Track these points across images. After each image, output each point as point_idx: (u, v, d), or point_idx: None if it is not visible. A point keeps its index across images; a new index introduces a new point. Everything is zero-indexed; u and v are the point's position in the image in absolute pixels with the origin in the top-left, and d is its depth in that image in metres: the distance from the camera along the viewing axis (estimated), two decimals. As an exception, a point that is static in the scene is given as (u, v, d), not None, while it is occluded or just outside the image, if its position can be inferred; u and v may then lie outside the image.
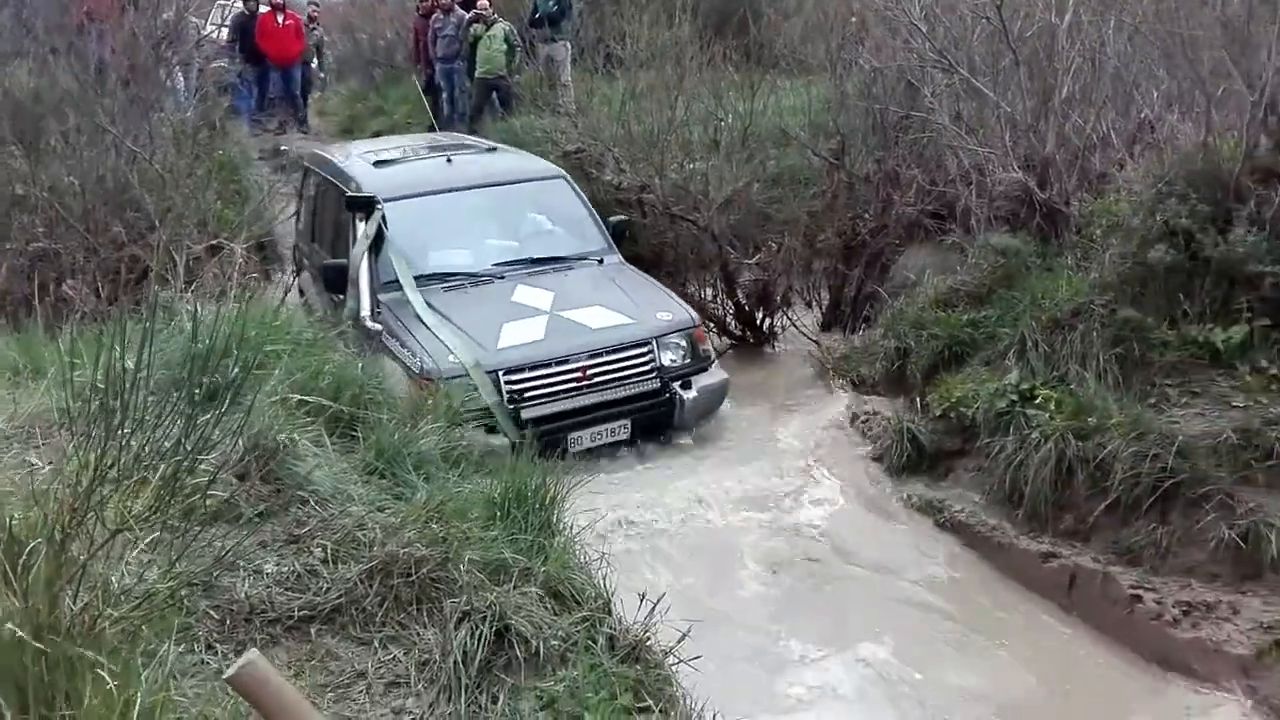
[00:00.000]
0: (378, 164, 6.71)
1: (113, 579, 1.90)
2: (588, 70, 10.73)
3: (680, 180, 7.63)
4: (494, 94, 12.15)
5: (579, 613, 2.78)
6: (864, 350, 6.57)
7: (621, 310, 5.74)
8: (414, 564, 2.74)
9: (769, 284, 7.50)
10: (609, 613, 2.84)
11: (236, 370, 2.16)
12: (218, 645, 2.48)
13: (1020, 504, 4.64)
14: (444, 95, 12.98)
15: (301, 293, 7.21)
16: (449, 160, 6.80)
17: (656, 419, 5.61)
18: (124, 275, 5.56)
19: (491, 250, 6.29)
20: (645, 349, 5.59)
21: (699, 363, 5.81)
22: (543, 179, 6.79)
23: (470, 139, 8.11)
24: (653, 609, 2.83)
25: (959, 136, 6.89)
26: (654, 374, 5.57)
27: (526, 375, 5.29)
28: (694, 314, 6.03)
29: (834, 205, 7.78)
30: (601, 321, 5.64)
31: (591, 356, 5.45)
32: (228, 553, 2.42)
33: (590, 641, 2.70)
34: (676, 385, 5.62)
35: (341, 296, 5.90)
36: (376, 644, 2.61)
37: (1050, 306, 5.26)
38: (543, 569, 2.91)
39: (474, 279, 5.99)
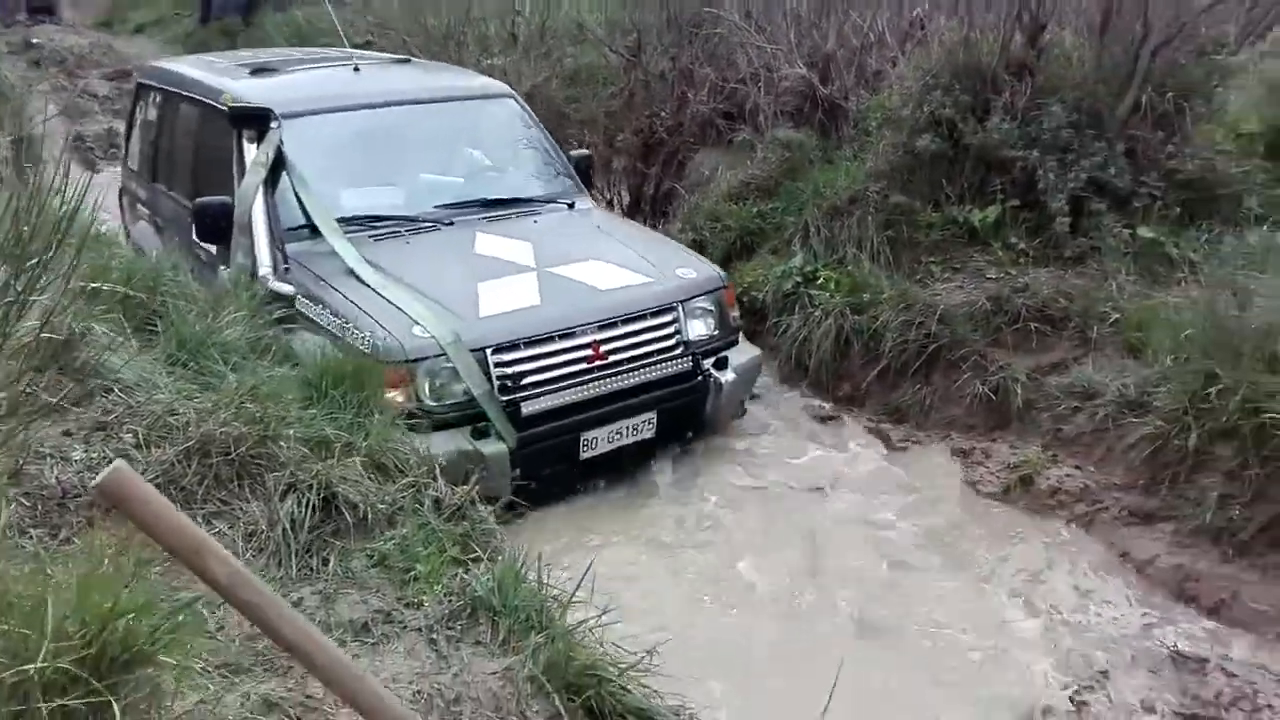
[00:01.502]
0: (257, 72, 5.27)
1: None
2: (376, -41, 10.32)
3: (478, 76, 7.56)
4: (273, -17, 11.48)
5: (404, 480, 2.89)
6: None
7: (630, 266, 4.50)
8: (232, 442, 2.75)
9: (570, 181, 7.60)
10: (434, 478, 2.96)
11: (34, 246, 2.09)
12: (31, 530, 2.44)
13: (807, 375, 5.06)
14: (216, -17, 12.14)
15: (138, 250, 5.32)
16: (356, 69, 5.32)
17: (686, 411, 4.39)
18: None
19: (429, 188, 4.94)
20: (670, 317, 4.36)
21: (729, 334, 4.62)
22: (486, 97, 5.44)
23: (366, 53, 6.38)
24: (474, 472, 2.98)
25: (748, 34, 7.15)
26: (682, 351, 4.37)
27: (523, 354, 4.02)
28: (720, 271, 4.79)
29: (631, 104, 7.92)
30: (610, 280, 4.38)
31: (603, 328, 4.18)
32: (21, 431, 2.37)
33: (417, 505, 2.82)
34: (709, 365, 4.43)
35: (215, 249, 4.53)
36: (200, 520, 2.62)
37: (830, 195, 5.68)
38: (365, 443, 2.98)
39: (412, 225, 4.63)
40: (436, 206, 4.77)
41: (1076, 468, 4.03)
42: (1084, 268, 4.79)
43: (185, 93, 5.36)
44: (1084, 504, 3.90)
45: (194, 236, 4.56)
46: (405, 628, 2.39)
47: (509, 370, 3.99)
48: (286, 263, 4.28)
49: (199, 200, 4.53)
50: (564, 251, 4.53)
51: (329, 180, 4.65)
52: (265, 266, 4.21)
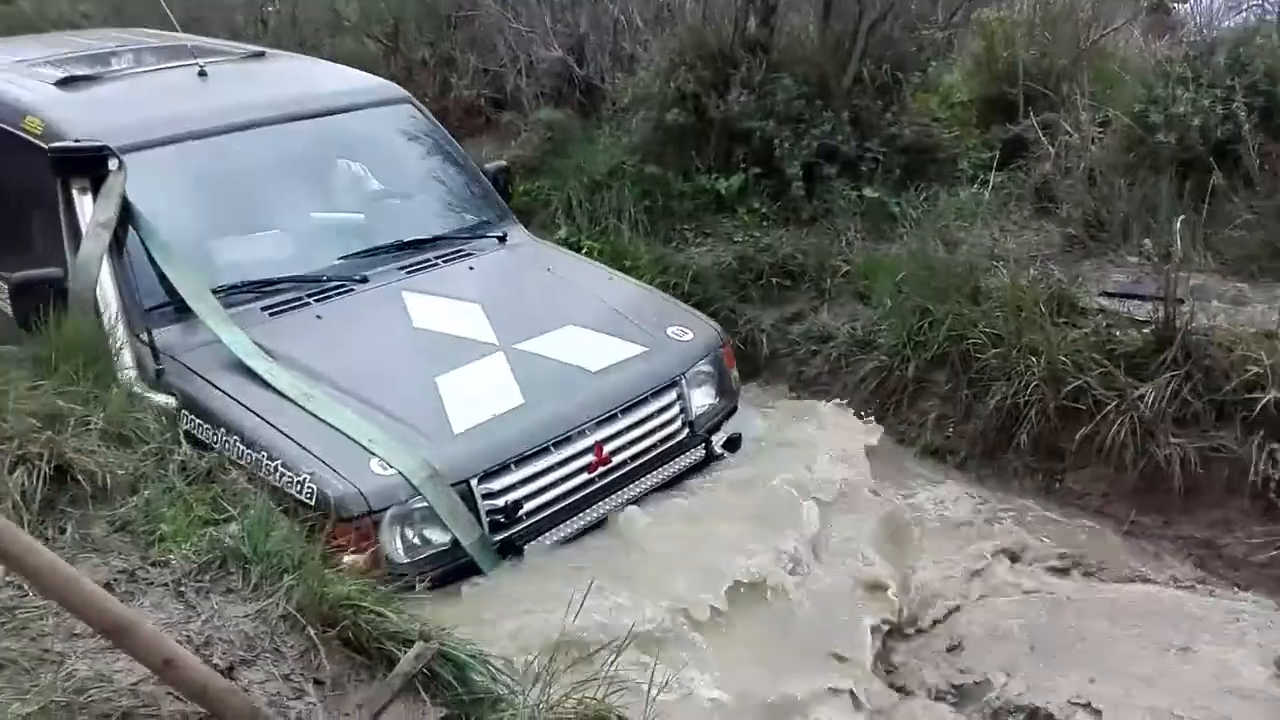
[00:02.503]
0: (66, 82, 3.83)
1: None
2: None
3: (227, 63, 7.29)
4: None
5: (146, 448, 2.81)
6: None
7: (614, 331, 3.57)
8: (-51, 420, 2.62)
9: (332, 169, 7.47)
10: (179, 444, 2.90)
11: None
12: None
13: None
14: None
15: None
16: (202, 74, 3.99)
17: None
18: None
19: (324, 231, 3.80)
20: (673, 395, 3.49)
21: (731, 399, 3.77)
22: (380, 104, 4.23)
23: (201, 40, 4.86)
24: (224, 433, 2.94)
25: (505, 19, 7.27)
26: (689, 433, 3.52)
27: (515, 477, 3.08)
28: (717, 326, 3.93)
29: (393, 91, 7.88)
30: (599, 356, 3.43)
31: (603, 422, 3.28)
32: None
33: (162, 471, 2.76)
34: (718, 444, 3.59)
35: None
36: (-80, 501, 2.48)
37: (591, 170, 5.90)
38: (101, 415, 2.88)
39: (315, 288, 3.51)
40: (341, 258, 3.65)
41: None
42: (818, 227, 5.22)
43: None
44: (823, 434, 4.25)
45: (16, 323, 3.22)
46: (152, 584, 2.35)
47: (499, 502, 3.03)
48: (158, 361, 3.13)
49: (18, 276, 3.23)
50: (526, 314, 3.56)
51: (190, 233, 3.51)
52: (127, 368, 3.03)
